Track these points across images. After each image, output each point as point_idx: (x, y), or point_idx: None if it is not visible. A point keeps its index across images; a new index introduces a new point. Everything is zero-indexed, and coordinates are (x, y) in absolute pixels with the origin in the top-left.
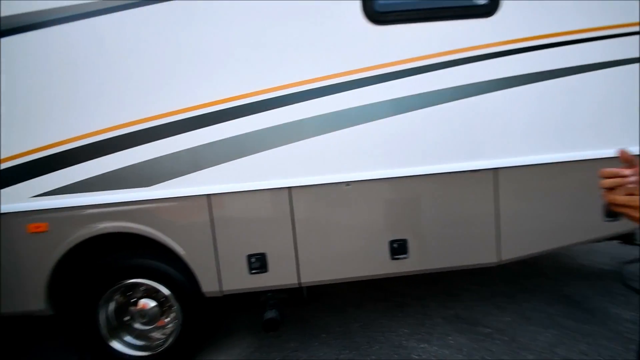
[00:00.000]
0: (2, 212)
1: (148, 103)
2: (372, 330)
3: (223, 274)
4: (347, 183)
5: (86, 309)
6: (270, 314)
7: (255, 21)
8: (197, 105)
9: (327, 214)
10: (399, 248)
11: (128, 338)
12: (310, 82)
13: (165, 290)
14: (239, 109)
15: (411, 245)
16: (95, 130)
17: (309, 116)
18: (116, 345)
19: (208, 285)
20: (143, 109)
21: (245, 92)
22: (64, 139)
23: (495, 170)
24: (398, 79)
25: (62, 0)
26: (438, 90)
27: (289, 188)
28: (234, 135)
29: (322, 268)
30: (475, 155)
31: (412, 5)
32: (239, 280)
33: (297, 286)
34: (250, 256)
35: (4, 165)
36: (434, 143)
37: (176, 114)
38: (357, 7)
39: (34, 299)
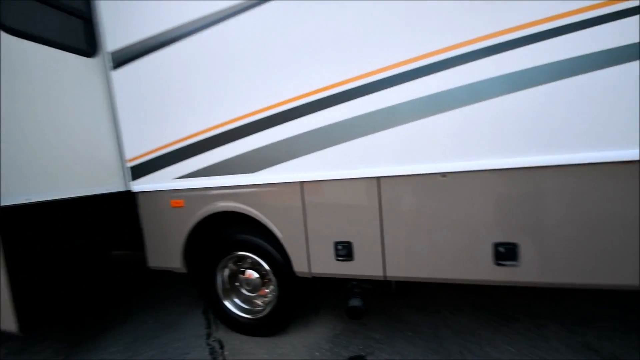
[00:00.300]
0: (156, 189)
1: (250, 100)
2: (466, 339)
3: (312, 257)
4: (443, 174)
5: (208, 272)
6: (354, 302)
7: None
8: (292, 98)
9: (418, 208)
10: (506, 253)
11: (237, 300)
12: (406, 63)
13: (266, 265)
14: (331, 99)
15: (523, 252)
16: (213, 125)
17: (403, 101)
18: (228, 304)
19: (299, 265)
20: (249, 104)
21: (337, 81)
22: (195, 132)
23: None
24: (514, 49)
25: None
26: (572, 58)
27: (378, 178)
28: (325, 124)
29: (410, 264)
30: (630, 141)
31: None
32: (326, 265)
33: (382, 279)
34: (337, 243)
35: (155, 155)
36: (565, 125)
37: (274, 107)
38: None
39: (173, 258)
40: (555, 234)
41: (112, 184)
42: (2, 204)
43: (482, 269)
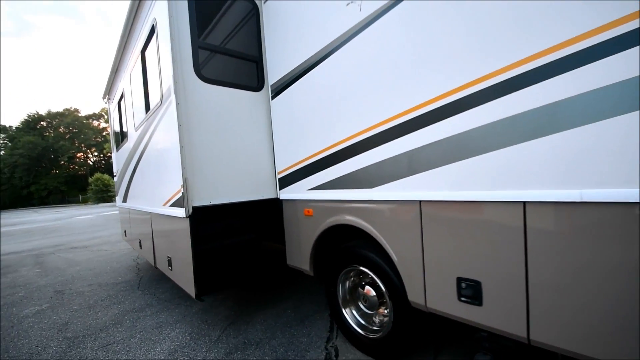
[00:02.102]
0: (294, 198)
1: (373, 113)
2: None
3: (428, 290)
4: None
5: (331, 279)
6: (480, 359)
7: None
8: (416, 106)
9: (595, 253)
10: None
11: (355, 312)
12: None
13: (382, 286)
14: (459, 103)
15: None
16: (339, 140)
17: (571, 95)
18: (346, 314)
19: (414, 295)
20: (371, 118)
21: (465, 83)
22: (323, 147)
23: None
24: None
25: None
26: None
27: (524, 203)
28: (451, 134)
29: (575, 332)
30: None
31: None
32: (445, 303)
33: (525, 341)
34: (460, 279)
35: (295, 168)
36: None
37: (396, 118)
38: None
39: (304, 261)
40: None
41: (267, 192)
42: (194, 205)
43: None
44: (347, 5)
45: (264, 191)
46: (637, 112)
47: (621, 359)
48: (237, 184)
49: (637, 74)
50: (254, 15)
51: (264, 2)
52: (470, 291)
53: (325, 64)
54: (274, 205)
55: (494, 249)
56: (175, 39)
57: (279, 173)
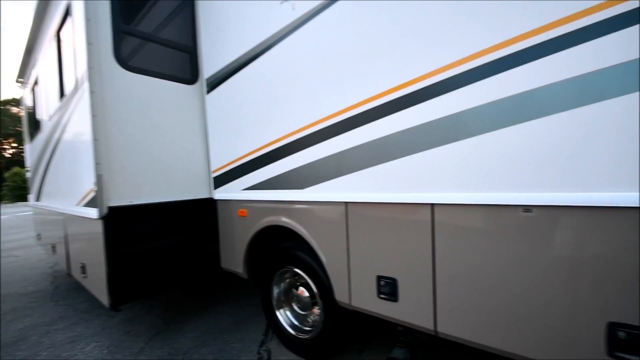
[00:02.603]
0: (229, 198)
1: (302, 115)
2: None
3: (353, 288)
4: (527, 208)
5: (265, 281)
6: (397, 353)
7: None
8: (343, 109)
9: (489, 251)
10: (628, 341)
11: (288, 314)
12: (478, 56)
13: (313, 286)
14: (381, 109)
15: None
16: (272, 140)
17: (471, 107)
18: (280, 315)
19: (340, 294)
20: (302, 119)
21: (389, 88)
22: (257, 147)
23: None
24: None
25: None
26: None
27: (432, 205)
28: (376, 137)
29: (472, 325)
30: None
31: None
32: (367, 300)
33: (433, 333)
34: (380, 277)
35: (230, 167)
36: None
37: (326, 120)
38: None
39: (238, 263)
40: None
41: (200, 191)
42: (111, 205)
43: (584, 358)
44: (281, 4)
45: (197, 190)
46: (524, 123)
47: (511, 350)
48: (166, 183)
49: (518, 92)
50: (188, 5)
51: None
52: (388, 288)
53: (261, 61)
54: (209, 206)
55: (407, 248)
56: (92, 20)
57: (213, 172)
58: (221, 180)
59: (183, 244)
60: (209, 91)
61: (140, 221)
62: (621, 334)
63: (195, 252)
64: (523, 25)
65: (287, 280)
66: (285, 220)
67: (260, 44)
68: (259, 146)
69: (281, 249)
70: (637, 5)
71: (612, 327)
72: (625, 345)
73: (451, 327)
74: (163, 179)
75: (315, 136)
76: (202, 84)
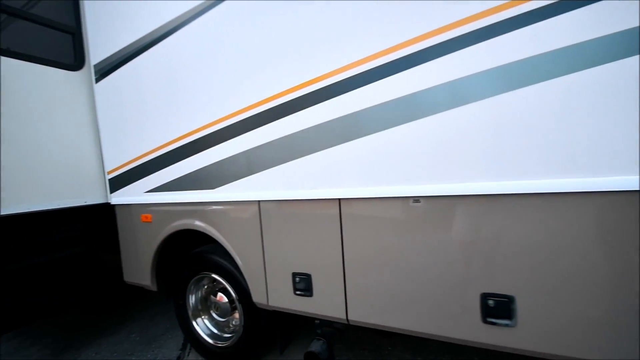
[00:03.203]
0: (129, 203)
1: (213, 108)
2: None
3: (270, 288)
4: (416, 199)
5: (179, 291)
6: (314, 346)
7: None
8: (250, 105)
9: (387, 239)
10: (497, 308)
11: (207, 323)
12: (376, 58)
13: (232, 291)
14: (290, 104)
15: (521, 308)
16: (179, 135)
17: (370, 105)
18: (197, 325)
19: (258, 296)
20: (212, 113)
21: (297, 84)
22: (161, 144)
23: None
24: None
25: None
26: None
27: (339, 200)
28: (283, 135)
29: (377, 309)
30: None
31: None
32: (284, 298)
33: (346, 322)
34: (295, 274)
35: (130, 167)
36: (579, 140)
37: (235, 116)
38: None
39: (144, 275)
40: (567, 289)
41: (93, 196)
42: None
43: (466, 327)
44: None
45: (89, 195)
46: (409, 122)
47: (410, 328)
48: (46, 187)
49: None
50: None
51: None
52: (303, 284)
53: (162, 46)
54: (106, 212)
55: (319, 242)
56: None
57: (109, 173)
58: (119, 183)
59: (75, 258)
60: (98, 79)
61: (18, 233)
62: (490, 302)
63: (90, 267)
64: (406, 34)
65: (205, 287)
66: (196, 224)
67: (162, 27)
68: (163, 143)
69: (194, 254)
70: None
71: (484, 297)
72: (494, 311)
73: (360, 314)
74: (43, 183)
75: (225, 132)
76: (89, 70)
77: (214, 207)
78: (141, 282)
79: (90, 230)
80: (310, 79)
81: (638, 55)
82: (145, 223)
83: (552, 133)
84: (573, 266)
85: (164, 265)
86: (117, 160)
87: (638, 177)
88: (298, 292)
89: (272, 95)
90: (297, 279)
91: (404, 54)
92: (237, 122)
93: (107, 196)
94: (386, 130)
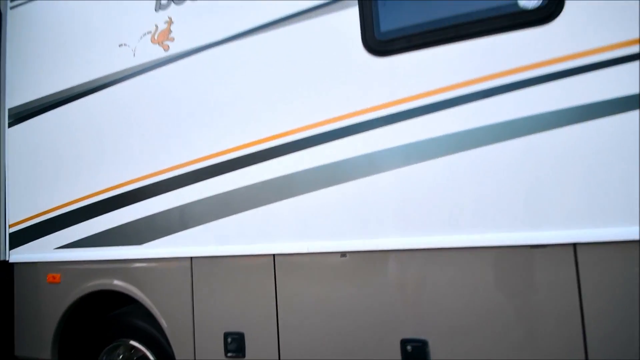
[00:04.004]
0: (34, 260)
1: (143, 163)
2: None
3: (198, 351)
4: (343, 253)
5: None
6: None
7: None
8: (185, 163)
9: (318, 292)
10: (414, 353)
11: None
12: (301, 131)
13: (152, 358)
14: (227, 164)
15: (433, 351)
16: (102, 188)
17: (301, 169)
18: None
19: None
20: (140, 168)
21: (234, 146)
22: (81, 195)
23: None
24: (411, 119)
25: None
26: (477, 128)
27: (273, 255)
28: (220, 192)
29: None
30: (542, 223)
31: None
32: None
33: None
34: (227, 334)
35: (39, 219)
36: (475, 201)
37: (167, 172)
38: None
39: (43, 346)
40: (472, 331)
41: None
42: None
43: None
44: (120, 46)
45: None
46: (337, 185)
47: None
48: None
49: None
50: None
51: (11, 8)
52: (235, 344)
53: (91, 99)
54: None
55: (253, 299)
56: None
57: (10, 226)
58: (23, 237)
59: None
60: (12, 124)
61: None
62: (409, 348)
63: None
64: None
65: (120, 357)
66: (115, 283)
67: (92, 82)
68: (84, 195)
69: (110, 318)
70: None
71: (404, 343)
72: (412, 356)
73: None
74: None
75: (156, 187)
76: (2, 113)
77: (139, 264)
78: (38, 355)
79: None
80: (246, 142)
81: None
82: (52, 284)
83: (444, 196)
84: (479, 312)
85: (70, 334)
86: (24, 212)
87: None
88: (230, 354)
89: (209, 154)
90: (229, 339)
91: (330, 128)
92: (171, 178)
93: (4, 253)
94: (316, 191)
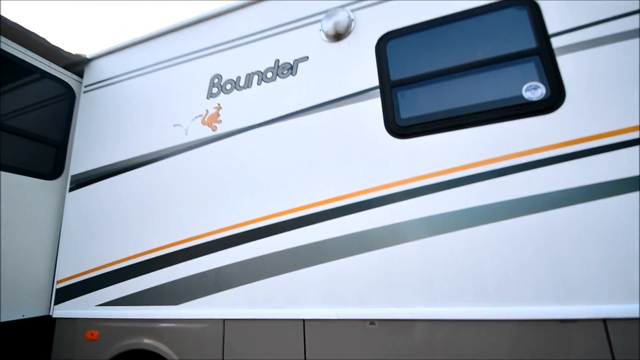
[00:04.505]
0: (75, 317)
1: (181, 228)
2: None
3: None
4: (372, 321)
5: None
6: None
7: (268, 142)
8: (224, 228)
9: (346, 357)
10: None
11: None
12: (333, 201)
13: None
14: (260, 231)
15: None
16: (145, 250)
17: (331, 237)
18: None
19: None
20: (179, 233)
21: (268, 214)
22: (126, 256)
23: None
24: (431, 193)
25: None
26: (493, 203)
27: (303, 321)
28: (253, 256)
29: None
30: (570, 297)
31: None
32: None
33: None
34: None
35: (85, 277)
36: (499, 273)
37: (205, 236)
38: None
39: None
40: None
41: (33, 307)
42: None
43: None
44: (174, 126)
45: (27, 306)
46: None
47: None
48: None
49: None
50: (67, 99)
51: (84, 92)
52: None
53: (144, 170)
54: (40, 328)
55: None
56: None
57: (58, 282)
58: (68, 293)
59: None
60: (73, 189)
61: None
62: None
63: None
64: (360, 185)
65: None
66: (150, 343)
67: (147, 155)
68: (128, 255)
69: None
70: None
71: None
72: None
73: None
74: None
75: (195, 250)
76: (66, 180)
77: (174, 324)
78: None
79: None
80: (279, 211)
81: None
82: (90, 341)
83: (468, 268)
84: None
85: None
86: (72, 269)
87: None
88: None
89: (245, 220)
90: None
91: (356, 200)
92: (208, 242)
93: (49, 308)
94: (345, 259)
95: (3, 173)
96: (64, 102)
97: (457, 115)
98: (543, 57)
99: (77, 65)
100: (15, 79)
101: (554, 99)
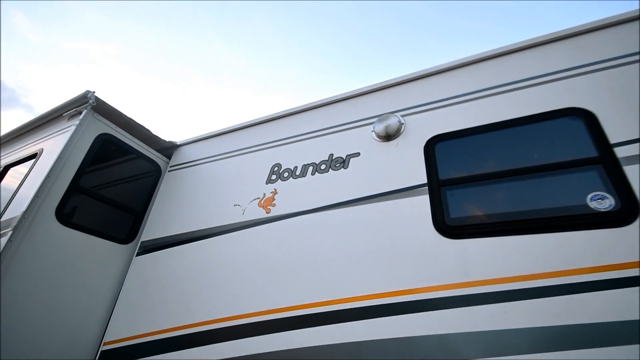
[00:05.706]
0: None
1: (242, 303)
2: None
3: None
4: None
5: None
6: None
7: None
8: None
9: None
10: None
11: None
12: (374, 298)
13: None
14: (297, 320)
15: None
16: (194, 322)
17: (370, 338)
18: None
19: None
20: (237, 308)
21: (304, 303)
22: (174, 326)
23: None
24: (487, 304)
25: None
26: (566, 325)
27: None
28: (285, 348)
29: None
30: None
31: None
32: None
33: None
34: None
35: (132, 342)
36: None
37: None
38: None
39: None
40: None
41: None
42: None
43: None
44: (234, 205)
45: None
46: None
47: None
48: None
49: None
50: (153, 176)
51: (169, 170)
52: None
53: (208, 242)
54: None
55: None
56: (52, 176)
57: (105, 344)
58: (111, 357)
59: None
60: (139, 254)
61: None
62: None
63: None
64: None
65: None
66: None
67: (207, 229)
68: (183, 324)
69: None
70: None
71: None
72: None
73: None
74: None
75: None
76: (136, 245)
77: None
78: None
79: None
80: (321, 300)
81: None
82: None
83: None
84: None
85: None
86: (122, 332)
87: None
88: None
89: (277, 308)
90: None
91: (404, 299)
92: (249, 323)
93: None
94: None
95: (83, 234)
96: (151, 178)
97: (513, 219)
98: (607, 167)
99: (168, 149)
100: (118, 158)
101: (627, 210)
